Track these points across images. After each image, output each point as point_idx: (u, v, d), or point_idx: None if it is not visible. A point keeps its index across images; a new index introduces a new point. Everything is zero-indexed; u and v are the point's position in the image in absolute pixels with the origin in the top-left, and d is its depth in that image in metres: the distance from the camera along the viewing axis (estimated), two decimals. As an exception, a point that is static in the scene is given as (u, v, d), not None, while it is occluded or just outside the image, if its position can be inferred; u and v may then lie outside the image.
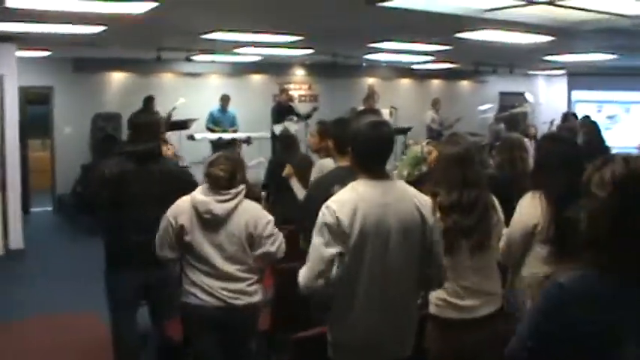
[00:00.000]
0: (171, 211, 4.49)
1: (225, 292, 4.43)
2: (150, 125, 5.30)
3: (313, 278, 3.26)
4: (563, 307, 2.17)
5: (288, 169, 6.76)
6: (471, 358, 3.90)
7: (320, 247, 3.26)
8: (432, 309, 3.98)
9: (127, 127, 5.36)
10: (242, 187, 4.55)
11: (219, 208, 4.42)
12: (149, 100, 13.51)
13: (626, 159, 2.22)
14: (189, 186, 4.92)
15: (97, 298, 5.62)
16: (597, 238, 2.20)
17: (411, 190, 3.54)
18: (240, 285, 4.49)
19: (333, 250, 3.24)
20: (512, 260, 4.13)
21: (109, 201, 5.04)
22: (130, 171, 5.06)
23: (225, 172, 4.47)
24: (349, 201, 3.31)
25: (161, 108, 12.85)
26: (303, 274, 3.32)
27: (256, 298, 4.58)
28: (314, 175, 6.26)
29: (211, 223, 4.42)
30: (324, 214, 3.30)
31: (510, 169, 5.44)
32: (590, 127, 9.61)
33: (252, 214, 4.54)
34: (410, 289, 3.50)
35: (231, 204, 4.45)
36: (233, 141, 13.16)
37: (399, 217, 3.35)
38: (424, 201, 3.50)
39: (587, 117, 11.43)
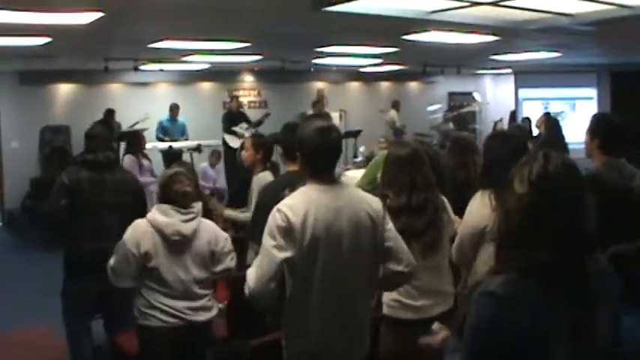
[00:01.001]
0: (129, 240, 4.34)
1: (187, 311, 4.41)
2: (105, 136, 5.37)
3: (265, 282, 3.24)
4: (496, 314, 2.15)
5: (219, 211, 6.43)
6: (426, 358, 3.93)
7: (271, 250, 3.25)
8: (386, 310, 4.01)
9: (84, 137, 5.41)
10: (200, 204, 4.56)
11: (186, 228, 4.37)
12: (110, 113, 13.47)
13: (547, 157, 2.21)
14: (141, 197, 4.98)
15: (49, 312, 5.56)
16: (512, 237, 2.21)
17: (361, 193, 3.58)
18: (201, 302, 4.50)
19: (283, 254, 3.24)
20: (464, 259, 4.17)
21: (65, 209, 5.07)
22: (84, 179, 5.11)
23: (191, 187, 4.46)
24: (300, 204, 3.31)
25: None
26: (254, 277, 3.29)
27: (214, 312, 4.61)
28: (256, 191, 5.96)
29: (178, 244, 4.37)
30: (275, 218, 3.29)
31: (465, 173, 5.46)
32: (551, 123, 9.72)
33: (212, 231, 4.56)
34: (363, 292, 3.51)
35: (196, 222, 4.44)
36: (181, 151, 13.09)
37: (350, 220, 3.36)
38: (374, 203, 3.52)
39: (547, 114, 11.58)
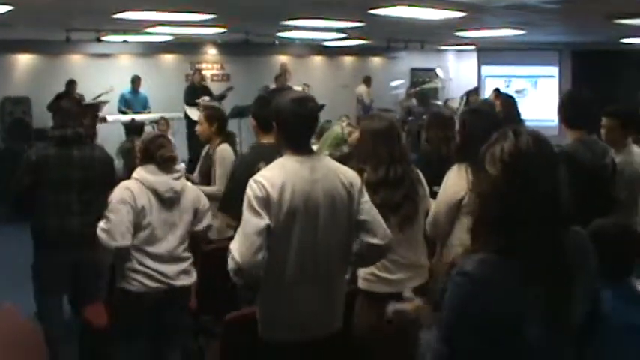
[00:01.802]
0: (125, 197, 4.33)
1: (171, 274, 4.43)
2: (75, 110, 5.34)
3: (252, 253, 3.18)
4: (471, 294, 2.15)
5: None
6: (401, 331, 3.93)
7: (252, 220, 3.22)
8: (362, 284, 4.00)
9: (51, 112, 5.38)
10: (182, 165, 4.75)
11: (178, 185, 4.46)
12: (71, 84, 13.29)
13: (517, 134, 2.18)
14: (109, 173, 5.13)
15: (16, 289, 5.47)
16: (489, 218, 2.19)
17: (338, 165, 3.55)
18: (184, 265, 4.53)
19: (265, 221, 3.21)
20: (439, 232, 4.17)
21: (31, 185, 5.03)
22: (51, 156, 5.07)
23: (174, 154, 4.54)
24: (277, 176, 3.29)
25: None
26: (240, 251, 3.21)
27: (194, 278, 4.63)
28: (219, 165, 5.94)
29: (170, 201, 4.43)
30: (253, 189, 3.26)
31: (446, 148, 5.43)
32: (507, 100, 9.80)
33: (194, 190, 4.69)
34: (339, 264, 3.51)
35: (183, 181, 4.55)
36: (143, 124, 12.97)
37: (327, 193, 3.35)
38: (350, 176, 3.50)
39: (497, 89, 11.62)
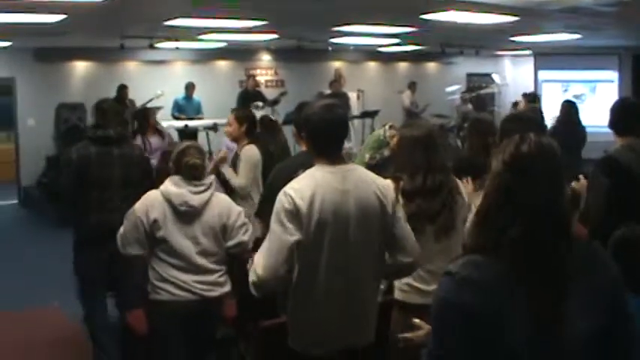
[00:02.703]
0: (140, 208, 4.37)
1: (199, 286, 4.40)
2: (115, 111, 5.46)
3: (275, 268, 3.17)
4: (454, 295, 2.13)
5: (222, 153, 6.59)
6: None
7: (280, 235, 3.18)
8: (397, 294, 3.95)
9: (94, 112, 5.51)
10: (213, 177, 4.62)
11: (196, 200, 4.38)
12: (122, 89, 13.50)
13: (523, 137, 2.20)
14: (148, 172, 5.26)
15: (64, 291, 5.57)
16: (485, 215, 2.20)
17: (371, 175, 3.48)
18: (213, 277, 4.48)
19: (293, 238, 3.17)
20: None
21: (75, 184, 5.17)
22: (92, 154, 5.18)
23: (201, 161, 4.48)
24: (307, 187, 3.23)
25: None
26: (263, 264, 3.19)
27: (227, 288, 4.58)
28: (245, 162, 6.21)
29: (187, 215, 4.37)
30: (282, 201, 3.22)
31: (485, 155, 5.33)
32: (567, 107, 9.76)
33: (225, 205, 4.56)
34: (370, 276, 3.43)
35: (206, 195, 4.44)
36: (197, 130, 13.06)
37: (358, 203, 3.28)
38: (384, 187, 3.43)
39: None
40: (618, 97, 8.05)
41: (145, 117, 9.85)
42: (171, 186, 4.39)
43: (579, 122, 9.50)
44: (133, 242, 4.37)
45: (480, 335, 2.10)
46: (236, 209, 4.61)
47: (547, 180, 2.15)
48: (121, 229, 4.43)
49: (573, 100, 11.70)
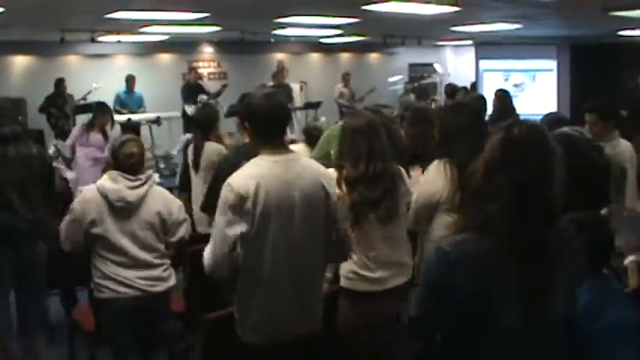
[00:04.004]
0: (77, 207, 4.33)
1: (142, 281, 4.36)
2: (9, 108, 5.29)
3: (222, 258, 3.22)
4: (446, 272, 2.19)
5: None
6: (384, 329, 3.91)
7: (223, 228, 3.21)
8: (343, 282, 3.97)
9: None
10: (151, 172, 4.54)
11: (132, 195, 4.33)
12: (60, 82, 13.25)
13: (513, 123, 2.29)
14: (45, 171, 5.09)
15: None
16: (473, 192, 2.26)
17: (315, 164, 3.52)
18: (157, 271, 4.45)
19: (236, 230, 3.19)
20: (420, 226, 4.13)
21: None
22: None
23: (138, 154, 4.41)
24: (251, 177, 3.24)
25: (69, 91, 12.65)
26: (208, 256, 3.27)
27: (171, 283, 4.56)
28: (206, 161, 6.17)
29: (123, 211, 4.32)
30: (225, 192, 3.24)
31: (423, 145, 5.38)
32: (501, 96, 9.91)
33: (164, 200, 4.51)
34: (316, 265, 3.47)
35: (143, 190, 4.38)
36: (139, 124, 12.93)
37: (303, 193, 3.31)
38: (328, 176, 3.48)
39: (500, 89, 11.86)
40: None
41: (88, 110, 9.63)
42: (109, 182, 4.32)
43: (514, 110, 9.67)
44: (66, 239, 4.38)
45: (473, 314, 2.18)
46: (176, 204, 4.59)
47: (536, 161, 2.20)
48: (62, 224, 4.39)
49: (513, 88, 11.90)
